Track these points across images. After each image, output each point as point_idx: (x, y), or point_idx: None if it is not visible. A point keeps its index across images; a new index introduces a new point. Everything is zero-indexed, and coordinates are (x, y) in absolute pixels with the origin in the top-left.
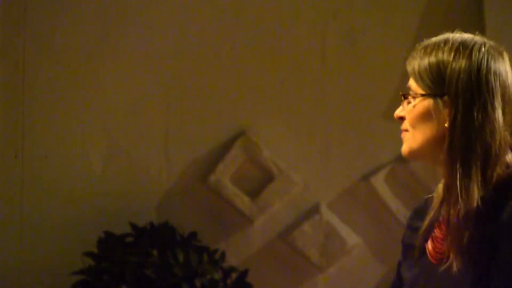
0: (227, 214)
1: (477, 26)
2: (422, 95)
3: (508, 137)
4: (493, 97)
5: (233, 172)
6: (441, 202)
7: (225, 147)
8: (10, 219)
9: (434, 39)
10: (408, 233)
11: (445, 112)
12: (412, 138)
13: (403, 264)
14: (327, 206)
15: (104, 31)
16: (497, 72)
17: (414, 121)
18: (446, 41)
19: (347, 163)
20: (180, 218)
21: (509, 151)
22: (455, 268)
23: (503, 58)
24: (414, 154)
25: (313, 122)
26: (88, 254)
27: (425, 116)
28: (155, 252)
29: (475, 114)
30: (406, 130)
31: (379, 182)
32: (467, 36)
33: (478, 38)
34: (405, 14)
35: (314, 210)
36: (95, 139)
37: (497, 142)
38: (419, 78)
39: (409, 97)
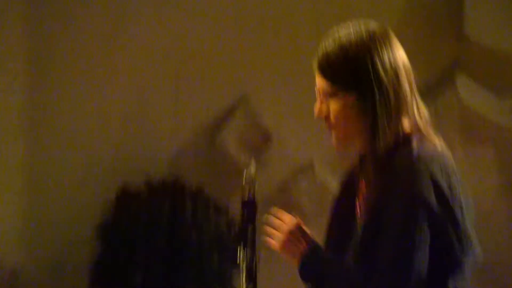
0: (231, 170)
1: (457, 23)
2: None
3: (410, 101)
4: (397, 75)
5: (236, 133)
6: (360, 164)
7: (230, 111)
8: (36, 173)
9: (332, 33)
10: (342, 192)
11: (360, 101)
12: (342, 131)
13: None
14: (320, 162)
15: (120, 12)
16: (394, 54)
17: (338, 116)
18: (340, 35)
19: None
20: (189, 173)
21: (411, 109)
22: (363, 216)
23: (392, 38)
24: (346, 141)
25: (307, 88)
26: (107, 205)
27: (345, 110)
28: (166, 204)
29: (384, 96)
30: (332, 126)
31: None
32: (358, 24)
33: (369, 25)
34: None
35: (309, 166)
36: (113, 103)
37: (402, 111)
38: (331, 77)
39: (321, 94)
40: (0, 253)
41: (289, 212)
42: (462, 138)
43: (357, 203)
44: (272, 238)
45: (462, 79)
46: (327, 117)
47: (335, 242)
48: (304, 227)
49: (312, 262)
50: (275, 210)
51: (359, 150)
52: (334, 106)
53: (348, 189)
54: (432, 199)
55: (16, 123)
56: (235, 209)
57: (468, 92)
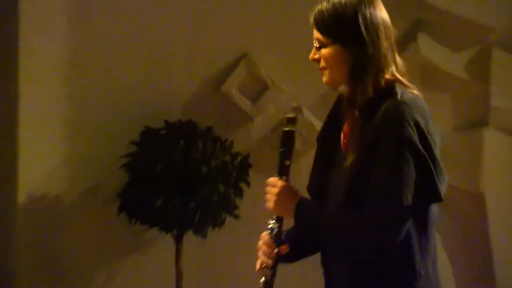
0: (235, 113)
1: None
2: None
3: (390, 56)
4: (377, 32)
5: (238, 83)
6: (348, 106)
7: (233, 65)
8: (75, 115)
9: None
10: (323, 130)
11: (347, 50)
12: (329, 73)
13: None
14: (307, 108)
15: None
16: (375, 13)
17: (329, 61)
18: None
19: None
20: (200, 116)
21: (392, 64)
22: (352, 153)
23: (379, 4)
24: (333, 83)
25: (298, 46)
26: (132, 142)
27: (335, 57)
28: (181, 142)
29: (367, 48)
30: (323, 68)
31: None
32: None
33: None
34: None
35: (297, 111)
36: (139, 57)
37: (382, 63)
38: (324, 31)
39: (319, 44)
40: (47, 183)
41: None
42: (422, 88)
43: (342, 140)
44: (268, 202)
45: (422, 37)
46: (318, 61)
47: (320, 169)
48: (291, 187)
49: (304, 212)
50: (267, 180)
51: (346, 93)
52: (324, 53)
53: (332, 127)
54: (415, 138)
55: (56, 74)
56: (237, 144)
57: (428, 48)
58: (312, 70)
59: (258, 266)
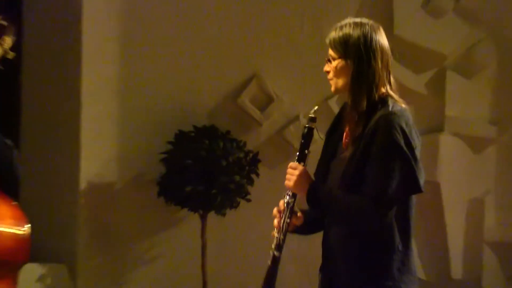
0: (247, 120)
1: (387, 16)
2: (338, 57)
3: (384, 76)
4: (374, 54)
5: (250, 97)
6: (349, 112)
7: (246, 82)
8: (127, 118)
9: (340, 23)
10: (329, 130)
11: (350, 65)
12: (335, 82)
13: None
14: (303, 116)
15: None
16: (376, 39)
17: (336, 73)
18: (346, 24)
19: (317, 91)
20: (220, 122)
21: (386, 83)
22: (350, 149)
23: (380, 31)
24: (338, 91)
25: (298, 67)
26: (169, 142)
27: (341, 70)
28: (206, 142)
29: (364, 64)
30: (331, 79)
31: (333, 103)
32: (359, 19)
33: (365, 20)
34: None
35: (296, 118)
36: (172, 75)
37: (377, 79)
38: (335, 48)
39: (331, 59)
40: (103, 173)
41: (284, 148)
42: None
43: (344, 139)
44: (288, 181)
45: (393, 63)
46: (328, 72)
47: (324, 159)
48: (307, 171)
49: (316, 192)
50: (290, 163)
51: (348, 101)
52: (332, 65)
53: (336, 127)
54: (402, 142)
55: (110, 89)
56: (249, 144)
57: (397, 70)
58: (307, 87)
59: (275, 225)
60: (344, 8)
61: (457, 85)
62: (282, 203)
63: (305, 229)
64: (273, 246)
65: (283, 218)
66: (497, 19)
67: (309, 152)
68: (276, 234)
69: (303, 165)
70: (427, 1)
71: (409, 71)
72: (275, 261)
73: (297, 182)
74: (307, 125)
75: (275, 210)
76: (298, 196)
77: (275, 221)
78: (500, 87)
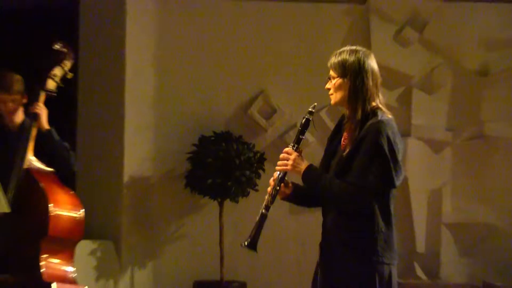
0: (256, 127)
1: (366, 44)
2: (337, 77)
3: (374, 92)
4: (366, 74)
5: (258, 108)
6: (347, 121)
7: (255, 97)
8: (162, 125)
9: (339, 50)
10: (331, 136)
11: (347, 83)
12: (334, 97)
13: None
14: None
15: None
16: (368, 63)
17: (335, 89)
18: (344, 50)
19: (311, 104)
20: (235, 129)
21: (376, 98)
22: (347, 149)
23: (371, 57)
24: (337, 103)
25: (295, 87)
26: (194, 145)
27: (339, 87)
28: (223, 144)
29: (358, 82)
30: (331, 94)
31: (323, 113)
32: (354, 47)
33: (359, 48)
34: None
35: (294, 125)
36: (195, 90)
37: (368, 94)
38: (335, 69)
39: (332, 78)
40: (142, 167)
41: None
42: None
43: (342, 142)
44: (285, 164)
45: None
46: (329, 89)
47: (326, 159)
48: (300, 156)
49: (310, 172)
50: (286, 148)
51: (346, 112)
52: (333, 84)
53: (336, 134)
54: (385, 146)
55: (147, 99)
56: (257, 146)
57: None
58: (303, 101)
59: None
60: (333, 39)
61: (421, 100)
62: (276, 175)
63: (293, 199)
64: (263, 205)
65: (274, 186)
66: (451, 48)
67: (303, 138)
68: (266, 197)
69: (298, 147)
70: (397, 33)
71: (383, 88)
72: (262, 217)
73: (294, 164)
74: (305, 116)
75: (270, 180)
76: (289, 174)
77: (268, 188)
78: (454, 101)
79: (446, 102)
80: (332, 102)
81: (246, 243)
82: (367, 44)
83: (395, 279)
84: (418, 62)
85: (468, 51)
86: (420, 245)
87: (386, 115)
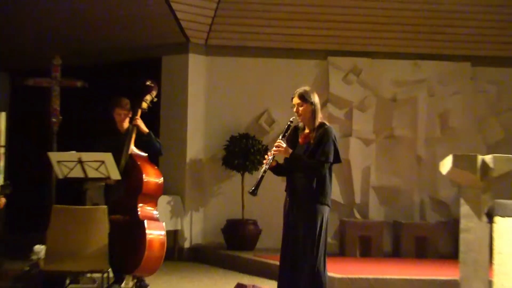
0: (263, 131)
1: (327, 84)
2: (303, 103)
3: (320, 112)
4: (316, 101)
5: (264, 120)
6: (304, 128)
7: (262, 113)
8: (208, 135)
9: (300, 88)
10: (290, 136)
11: (309, 107)
12: (303, 115)
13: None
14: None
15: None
16: (315, 95)
17: (303, 110)
18: (304, 90)
19: (292, 117)
20: (251, 131)
21: (321, 115)
22: (311, 144)
23: (314, 92)
24: (304, 118)
25: (285, 108)
26: (227, 140)
27: (305, 108)
28: (244, 140)
29: (313, 107)
30: (300, 115)
31: (296, 122)
32: (308, 88)
33: (309, 88)
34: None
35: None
36: (228, 109)
37: (318, 113)
38: (300, 99)
39: (299, 105)
40: (198, 154)
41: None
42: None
43: (300, 141)
44: (280, 148)
45: (330, 108)
46: (297, 112)
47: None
48: (288, 146)
49: (295, 154)
50: (278, 141)
51: (305, 124)
52: (300, 108)
53: (293, 136)
54: (334, 141)
55: (201, 115)
56: (264, 142)
57: (330, 108)
58: (289, 116)
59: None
60: (307, 82)
61: (358, 115)
62: (269, 154)
63: (275, 171)
64: (262, 169)
65: (268, 160)
66: (375, 85)
67: (287, 134)
68: (263, 166)
69: (285, 139)
70: (345, 77)
71: (336, 109)
72: (262, 176)
73: (286, 150)
74: (288, 123)
75: (266, 156)
76: (277, 156)
77: (264, 161)
78: (377, 116)
79: (372, 116)
80: (299, 119)
81: (250, 191)
82: (327, 84)
83: (327, 213)
84: (356, 94)
85: (385, 87)
86: (358, 198)
87: (328, 124)
